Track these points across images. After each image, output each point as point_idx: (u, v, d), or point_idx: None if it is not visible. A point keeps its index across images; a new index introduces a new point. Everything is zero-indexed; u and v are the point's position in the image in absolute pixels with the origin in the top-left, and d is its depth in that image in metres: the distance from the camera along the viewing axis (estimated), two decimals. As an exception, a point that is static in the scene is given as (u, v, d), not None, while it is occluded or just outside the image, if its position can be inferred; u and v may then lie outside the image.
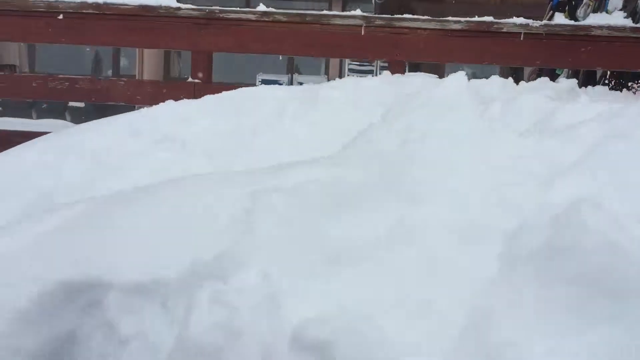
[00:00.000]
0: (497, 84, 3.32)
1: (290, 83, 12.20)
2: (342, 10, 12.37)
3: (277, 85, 3.36)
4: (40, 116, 10.23)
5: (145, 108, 3.12)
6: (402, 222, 1.12)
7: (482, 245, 1.07)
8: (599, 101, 1.77)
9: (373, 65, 10.31)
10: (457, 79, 1.41)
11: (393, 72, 3.47)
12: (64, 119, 10.13)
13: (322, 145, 2.26)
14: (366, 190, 1.18)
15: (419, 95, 1.40)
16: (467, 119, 1.32)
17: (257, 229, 1.06)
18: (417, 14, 10.39)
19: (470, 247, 1.08)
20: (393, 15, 3.57)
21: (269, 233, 1.04)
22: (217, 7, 3.53)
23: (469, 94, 1.39)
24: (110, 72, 12.69)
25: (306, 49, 3.66)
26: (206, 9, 3.48)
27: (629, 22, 3.50)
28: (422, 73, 3.78)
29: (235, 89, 3.28)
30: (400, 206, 1.15)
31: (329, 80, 12.04)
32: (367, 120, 2.88)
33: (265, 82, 11.95)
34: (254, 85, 12.60)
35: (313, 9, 12.39)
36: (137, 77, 11.52)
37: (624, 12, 3.69)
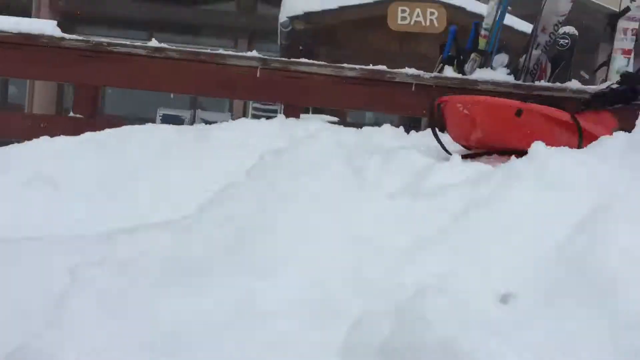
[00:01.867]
0: (388, 133, 3.38)
1: (193, 119, 11.96)
2: (247, 49, 12.42)
3: (164, 125, 3.21)
4: None
5: (16, 143, 2.87)
6: (246, 300, 1.03)
7: (327, 331, 0.99)
8: (466, 163, 1.79)
9: (277, 105, 10.34)
10: (327, 134, 1.36)
11: (288, 116, 3.44)
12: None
13: (195, 196, 2.15)
14: (212, 263, 1.09)
15: (286, 151, 1.34)
16: (335, 178, 1.27)
17: (71, 314, 0.92)
18: (320, 57, 10.57)
19: (314, 334, 1.00)
20: (298, 56, 3.56)
21: (85, 319, 0.91)
22: (106, 40, 3.37)
23: (341, 149, 1.34)
24: (-4, 100, 11.88)
25: (200, 88, 3.56)
26: (93, 40, 3.31)
27: (511, 79, 3.69)
28: (320, 116, 3.76)
29: (121, 125, 3.10)
30: (248, 281, 1.06)
31: (233, 117, 11.94)
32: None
33: (167, 117, 11.63)
34: (154, 120, 12.26)
35: (219, 47, 12.37)
36: (26, 107, 10.85)
37: (507, 69, 3.90)
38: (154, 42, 3.39)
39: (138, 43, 3.37)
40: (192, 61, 3.39)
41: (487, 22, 4.00)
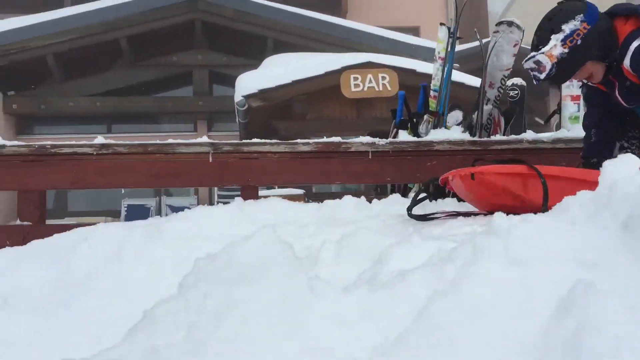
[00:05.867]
0: (350, 205, 3.29)
1: (159, 206, 11.79)
2: (208, 130, 12.45)
3: (116, 223, 3.07)
4: None
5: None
6: None
7: None
8: (431, 239, 1.69)
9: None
10: (267, 232, 1.25)
11: (245, 198, 3.33)
12: None
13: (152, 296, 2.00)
14: None
15: (220, 256, 1.22)
16: (278, 282, 1.15)
17: None
18: (279, 132, 10.65)
19: None
20: (257, 132, 3.49)
21: None
22: (50, 142, 3.26)
23: (286, 247, 1.23)
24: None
25: (152, 180, 3.45)
26: (35, 145, 3.20)
27: (466, 136, 3.68)
28: (285, 190, 3.64)
29: (71, 229, 2.96)
30: None
31: (198, 202, 11.79)
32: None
33: (132, 207, 11.44)
34: (119, 212, 12.04)
35: (179, 131, 12.38)
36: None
37: (462, 126, 3.90)
38: (99, 139, 3.30)
39: (83, 142, 3.26)
40: (140, 154, 3.29)
41: (434, 83, 4.03)
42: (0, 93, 11.20)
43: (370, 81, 9.12)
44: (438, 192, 3.00)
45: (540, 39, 2.53)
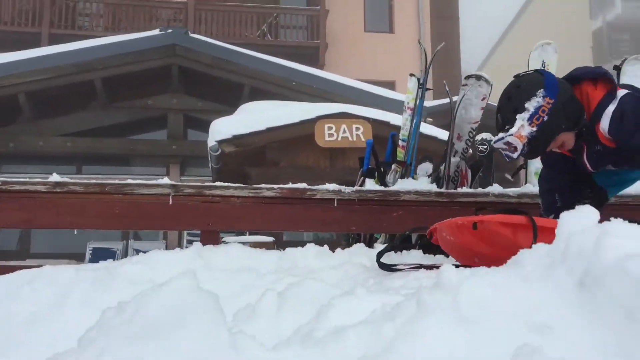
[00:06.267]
0: (311, 253, 3.20)
1: (125, 250, 11.50)
2: (180, 174, 12.31)
3: (65, 265, 2.93)
4: None
5: None
6: None
7: None
8: (378, 292, 1.60)
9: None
10: (185, 279, 1.15)
11: (205, 242, 3.21)
12: None
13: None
14: None
15: (125, 310, 1.09)
16: (199, 334, 1.04)
17: None
18: (252, 178, 10.55)
19: None
20: (230, 178, 3.40)
21: None
22: (1, 179, 3.12)
23: (207, 296, 1.13)
24: None
25: (108, 221, 3.31)
26: (-15, 181, 3.06)
27: (433, 187, 3.64)
28: (254, 237, 3.51)
29: (15, 270, 2.80)
30: None
31: (167, 246, 11.53)
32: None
33: (97, 251, 11.14)
34: (84, 254, 11.71)
35: (150, 174, 12.22)
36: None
37: (430, 178, 3.87)
38: (55, 177, 3.18)
39: (37, 179, 3.14)
40: (97, 193, 3.17)
41: (403, 133, 4.02)
42: (-32, 129, 10.99)
43: (344, 131, 9.16)
44: (407, 243, 2.95)
45: (505, 119, 2.45)
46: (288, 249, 3.20)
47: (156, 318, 1.05)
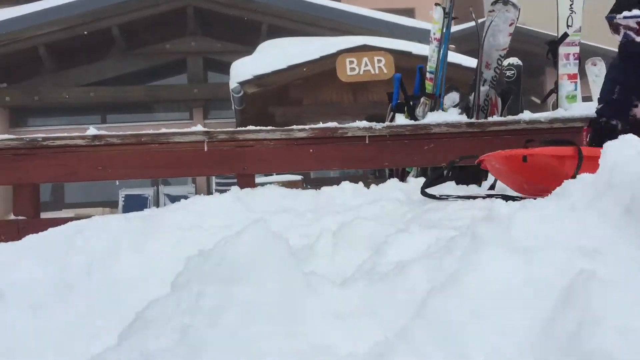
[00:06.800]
0: (348, 191, 3.26)
1: (156, 196, 11.75)
2: (204, 118, 12.38)
3: (112, 215, 3.04)
4: None
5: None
6: None
7: None
8: (430, 228, 1.65)
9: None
10: (259, 227, 1.21)
11: (242, 186, 3.29)
12: None
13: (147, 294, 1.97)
14: None
15: (212, 254, 1.18)
16: (274, 279, 1.11)
17: None
18: (276, 119, 10.56)
19: None
20: (252, 119, 3.44)
21: None
22: (41, 135, 3.21)
23: (280, 242, 1.19)
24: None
25: (147, 171, 3.40)
26: (27, 137, 3.15)
27: (464, 118, 3.64)
28: (282, 176, 3.56)
29: (65, 222, 2.92)
30: None
31: (196, 190, 11.75)
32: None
33: (129, 197, 11.41)
34: (116, 202, 11.99)
35: (174, 119, 12.31)
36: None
37: (459, 108, 3.85)
38: (92, 130, 3.25)
39: (75, 134, 3.22)
40: (134, 144, 3.25)
41: (430, 65, 3.98)
42: (-7, 86, 11.12)
43: (366, 64, 9.04)
44: (454, 173, 3.00)
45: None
46: (323, 188, 3.26)
47: (239, 263, 1.13)
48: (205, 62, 12.27)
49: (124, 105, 12.07)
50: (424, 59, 4.35)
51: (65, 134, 3.22)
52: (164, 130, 3.34)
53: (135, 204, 11.17)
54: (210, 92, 12.04)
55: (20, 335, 2.52)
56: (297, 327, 1.03)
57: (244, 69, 9.27)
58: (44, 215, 4.04)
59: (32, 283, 2.63)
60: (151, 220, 2.97)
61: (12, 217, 3.22)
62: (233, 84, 9.30)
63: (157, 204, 11.51)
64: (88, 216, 3.01)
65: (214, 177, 10.78)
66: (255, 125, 3.43)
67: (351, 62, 9.02)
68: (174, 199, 11.46)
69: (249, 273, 1.12)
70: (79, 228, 2.86)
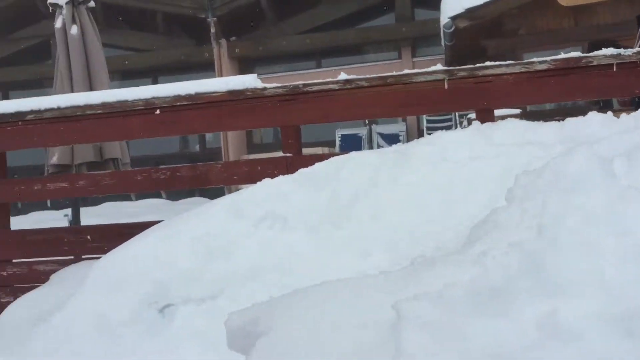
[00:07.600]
0: (594, 122, 3.19)
1: (369, 135, 12.29)
2: (412, 56, 12.48)
3: (368, 151, 3.40)
4: (138, 197, 10.83)
5: (243, 188, 3.23)
6: (552, 319, 1.06)
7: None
8: None
9: (451, 115, 10.23)
10: (585, 149, 1.35)
11: (482, 121, 3.41)
12: (160, 197, 10.67)
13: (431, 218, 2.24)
14: (509, 289, 1.14)
15: (543, 173, 1.35)
16: (600, 193, 1.25)
17: (407, 344, 1.03)
18: (488, 52, 10.25)
19: (632, 341, 0.99)
20: (464, 56, 3.52)
21: (421, 348, 1.01)
22: (301, 82, 3.64)
23: (599, 164, 1.33)
24: (197, 147, 13.31)
25: (391, 110, 3.69)
26: (290, 85, 3.60)
27: None
28: (513, 119, 3.61)
29: (324, 159, 3.33)
30: (547, 302, 1.09)
31: (407, 128, 12.04)
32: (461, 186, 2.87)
33: (345, 137, 12.11)
34: (333, 141, 12.75)
35: (384, 60, 12.61)
36: (222, 149, 12.01)
37: None
38: (342, 75, 3.60)
39: (328, 79, 3.59)
40: (380, 86, 3.53)
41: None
42: (225, 40, 12.40)
43: (591, -16, 8.29)
44: None
45: None
46: (568, 119, 3.24)
47: (571, 178, 1.32)
48: (412, 0, 12.29)
49: (335, 49, 12.67)
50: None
51: (321, 80, 3.61)
52: (406, 71, 3.56)
53: (350, 142, 11.87)
54: (418, 30, 12.06)
55: (302, 253, 3.02)
56: (623, 232, 1.18)
57: (455, 3, 9.13)
58: (272, 154, 4.60)
59: (309, 209, 3.10)
60: (402, 155, 3.26)
61: (276, 154, 3.74)
62: (444, 19, 9.23)
63: (370, 142, 12.09)
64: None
65: (424, 117, 10.94)
66: (467, 60, 3.48)
67: (574, -17, 8.34)
68: (385, 137, 11.92)
69: (581, 185, 1.29)
70: (341, 163, 3.26)
